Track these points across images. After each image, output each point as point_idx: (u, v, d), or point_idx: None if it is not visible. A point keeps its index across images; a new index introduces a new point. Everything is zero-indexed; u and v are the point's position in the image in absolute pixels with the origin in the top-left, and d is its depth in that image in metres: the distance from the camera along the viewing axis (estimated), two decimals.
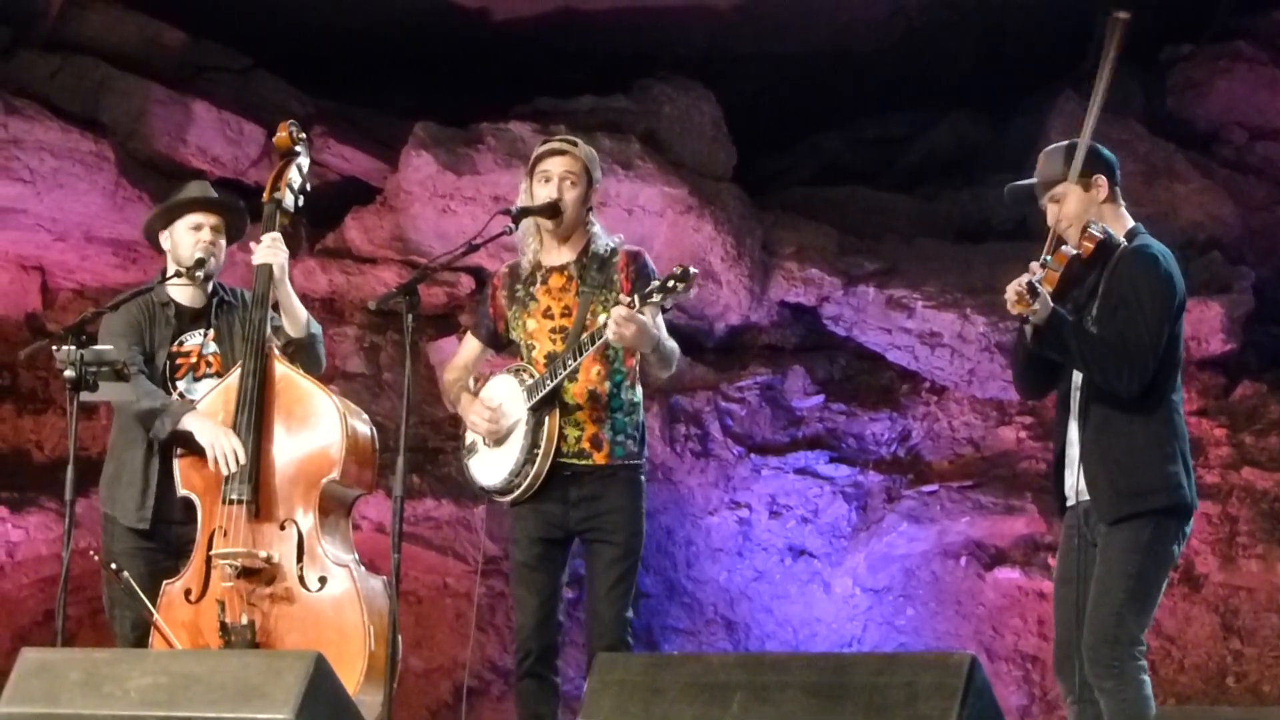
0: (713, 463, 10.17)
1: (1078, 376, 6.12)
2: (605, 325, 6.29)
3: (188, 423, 6.75)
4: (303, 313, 7.03)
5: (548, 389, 6.45)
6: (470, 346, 6.89)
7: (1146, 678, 5.96)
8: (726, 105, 10.59)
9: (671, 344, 6.54)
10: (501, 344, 6.79)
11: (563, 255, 6.64)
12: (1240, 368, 10.36)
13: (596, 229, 6.66)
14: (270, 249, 6.92)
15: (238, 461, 6.66)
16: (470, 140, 9.99)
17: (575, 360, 6.40)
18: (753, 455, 10.21)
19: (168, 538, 6.87)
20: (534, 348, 6.57)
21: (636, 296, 6.28)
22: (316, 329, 7.10)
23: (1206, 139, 11.12)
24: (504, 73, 10.53)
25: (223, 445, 6.67)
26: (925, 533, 9.97)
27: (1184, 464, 6.06)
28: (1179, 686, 9.62)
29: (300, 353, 6.97)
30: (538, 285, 6.64)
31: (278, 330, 6.97)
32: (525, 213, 6.58)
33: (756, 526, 10.09)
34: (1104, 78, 6.02)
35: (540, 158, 6.68)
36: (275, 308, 7.00)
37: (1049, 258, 5.97)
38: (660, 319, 6.55)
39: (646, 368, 6.58)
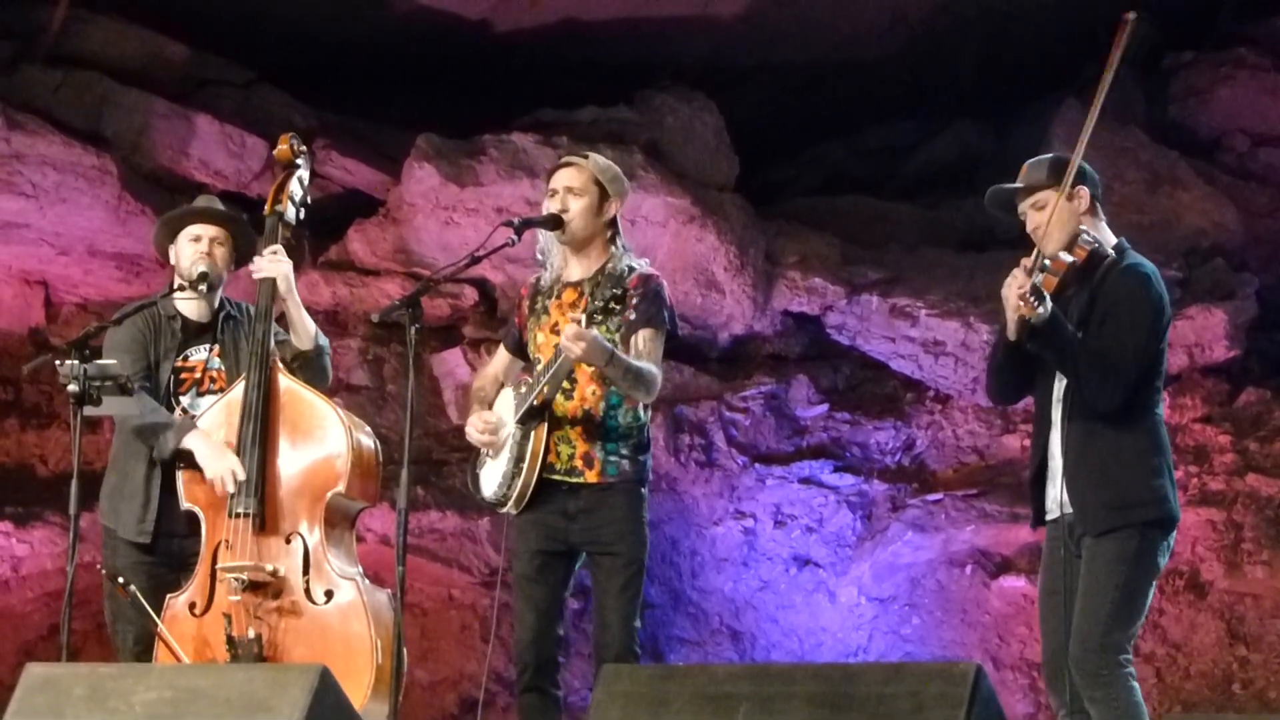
0: (717, 473, 10.17)
1: (1058, 389, 6.14)
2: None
3: (189, 441, 6.75)
4: (310, 325, 7.03)
5: (527, 403, 6.45)
6: (500, 356, 6.87)
7: (1135, 684, 5.98)
8: (729, 115, 10.59)
9: (644, 367, 6.42)
10: (529, 354, 6.75)
11: (580, 271, 6.62)
12: (1244, 374, 10.36)
13: (618, 248, 6.62)
14: (272, 262, 6.93)
15: (235, 480, 6.67)
16: (472, 152, 10.00)
17: (547, 375, 6.39)
18: (757, 465, 10.21)
19: (170, 551, 6.87)
20: (539, 361, 6.56)
21: (583, 315, 6.29)
22: (324, 342, 7.10)
23: (1209, 146, 11.12)
24: (506, 84, 10.53)
25: (220, 467, 6.68)
26: (930, 541, 9.97)
27: (1169, 476, 6.09)
28: (1185, 694, 9.61)
29: (307, 366, 6.97)
30: (552, 299, 6.64)
31: (283, 344, 6.98)
32: (527, 224, 6.58)
33: (761, 536, 10.09)
34: (1105, 82, 6.04)
35: (549, 173, 6.71)
36: (281, 321, 7.01)
37: (1047, 261, 5.99)
38: (658, 345, 6.52)
39: (617, 388, 6.49)
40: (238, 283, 7.53)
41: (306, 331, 7.00)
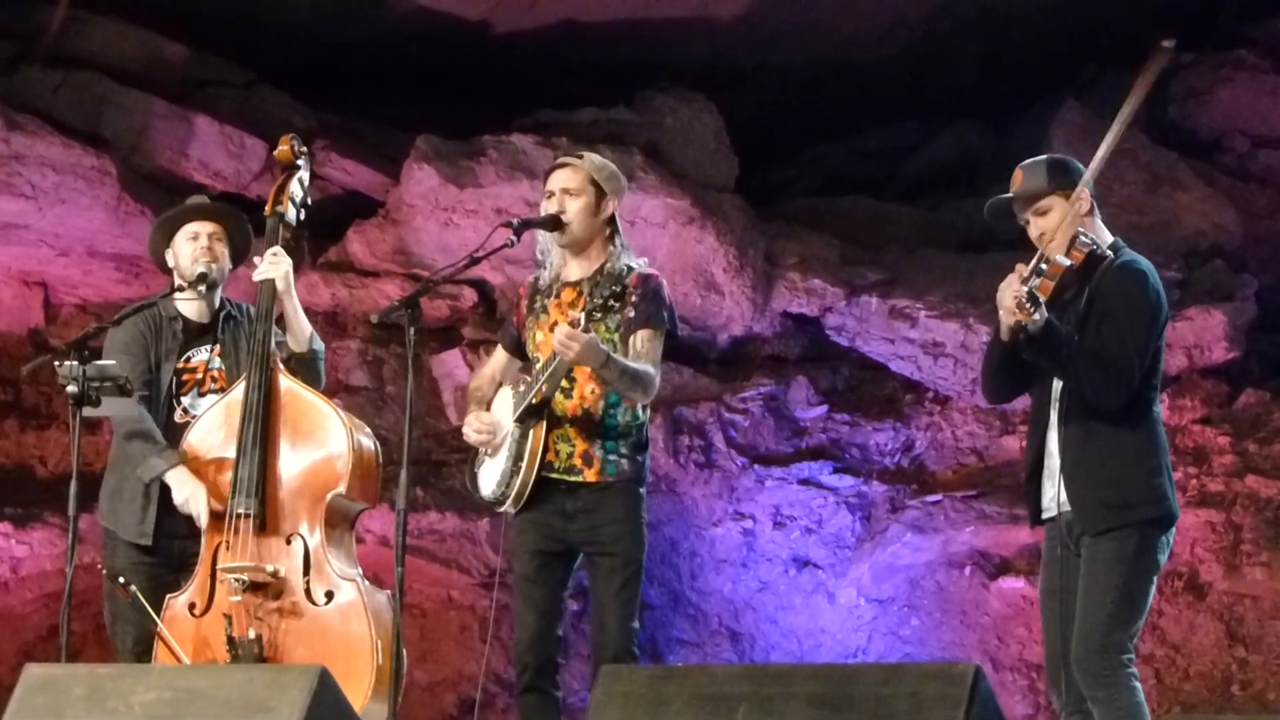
0: (716, 474, 10.17)
1: (1056, 388, 6.14)
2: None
3: (169, 478, 6.77)
4: (307, 327, 7.03)
5: (525, 402, 6.46)
6: (497, 356, 6.88)
7: (1138, 684, 5.98)
8: (729, 116, 10.58)
9: (640, 368, 6.42)
10: (526, 353, 6.76)
11: (579, 271, 6.62)
12: (1243, 376, 10.35)
13: (616, 247, 6.61)
14: (272, 263, 6.93)
15: (199, 517, 6.70)
16: (472, 153, 10.00)
17: (545, 374, 6.39)
18: (756, 466, 10.21)
19: (170, 552, 6.88)
20: (538, 360, 6.56)
21: (583, 314, 6.29)
22: (319, 345, 7.10)
23: (1209, 147, 11.11)
24: (506, 85, 10.53)
25: (191, 508, 6.70)
26: (929, 543, 9.97)
27: (1167, 474, 6.09)
28: (1184, 695, 9.61)
29: (301, 367, 6.97)
30: (551, 298, 6.64)
31: (279, 345, 6.98)
32: (526, 225, 6.58)
33: (761, 537, 10.08)
34: (1134, 101, 6.06)
35: (547, 174, 6.71)
36: (279, 322, 7.01)
37: (1044, 265, 5.98)
38: (657, 345, 6.51)
39: (613, 389, 6.48)
40: (237, 284, 7.53)
41: (302, 333, 7.01)
